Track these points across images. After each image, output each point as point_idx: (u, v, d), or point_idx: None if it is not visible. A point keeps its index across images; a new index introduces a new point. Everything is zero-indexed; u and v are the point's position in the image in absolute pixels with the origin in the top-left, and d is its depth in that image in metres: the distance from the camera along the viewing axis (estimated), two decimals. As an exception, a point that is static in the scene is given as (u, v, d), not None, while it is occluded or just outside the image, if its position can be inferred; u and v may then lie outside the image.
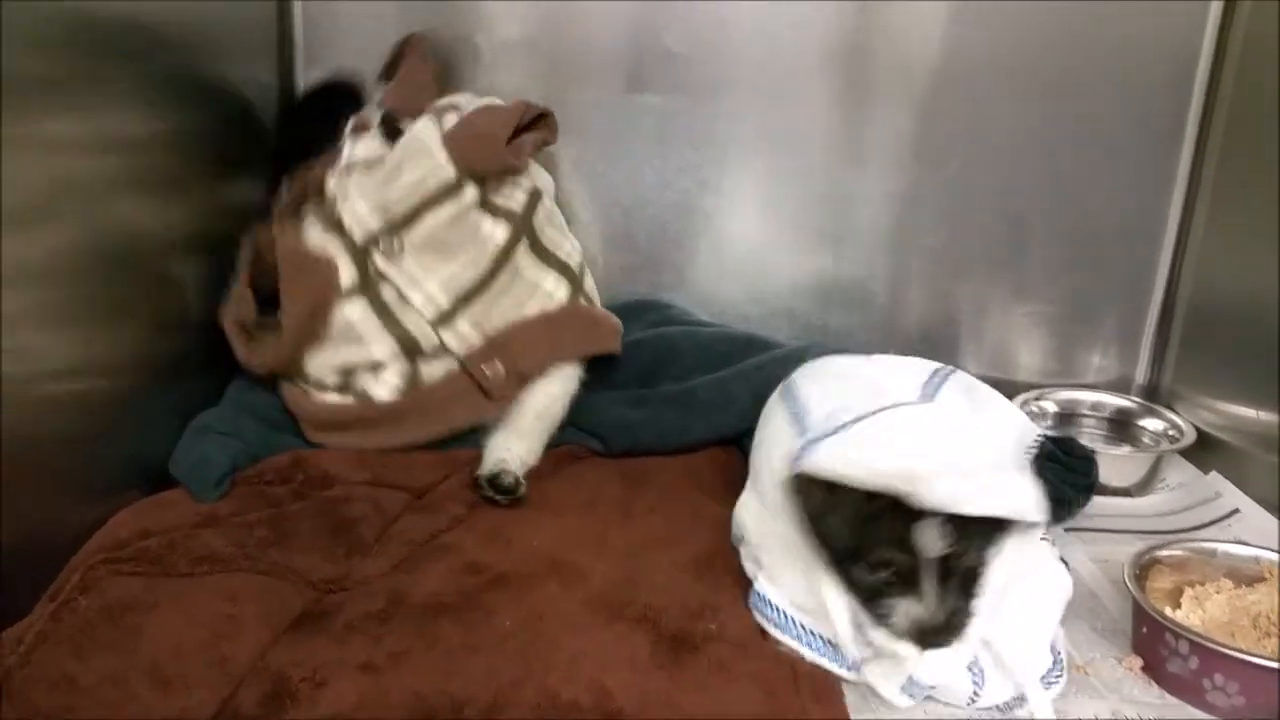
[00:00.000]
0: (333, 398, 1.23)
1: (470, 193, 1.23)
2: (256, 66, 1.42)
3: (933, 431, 0.95)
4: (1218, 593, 1.05)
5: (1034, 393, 1.51)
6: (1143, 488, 1.37)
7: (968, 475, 0.88)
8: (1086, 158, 1.49)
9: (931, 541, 0.88)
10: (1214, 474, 1.36)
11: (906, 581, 0.90)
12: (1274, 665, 0.90)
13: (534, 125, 1.30)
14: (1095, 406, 1.53)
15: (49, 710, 0.78)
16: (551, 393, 1.29)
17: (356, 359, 1.22)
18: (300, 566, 1.02)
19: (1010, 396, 1.46)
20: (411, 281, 1.23)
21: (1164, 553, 1.08)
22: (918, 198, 1.52)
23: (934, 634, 0.90)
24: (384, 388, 1.22)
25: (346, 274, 1.22)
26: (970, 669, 0.91)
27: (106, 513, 1.02)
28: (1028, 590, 0.95)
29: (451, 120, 1.26)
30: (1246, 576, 1.06)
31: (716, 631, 0.97)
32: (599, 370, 1.36)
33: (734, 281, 1.53)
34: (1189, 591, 1.05)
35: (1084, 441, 1.33)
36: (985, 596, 0.91)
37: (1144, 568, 1.06)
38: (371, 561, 1.08)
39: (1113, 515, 1.31)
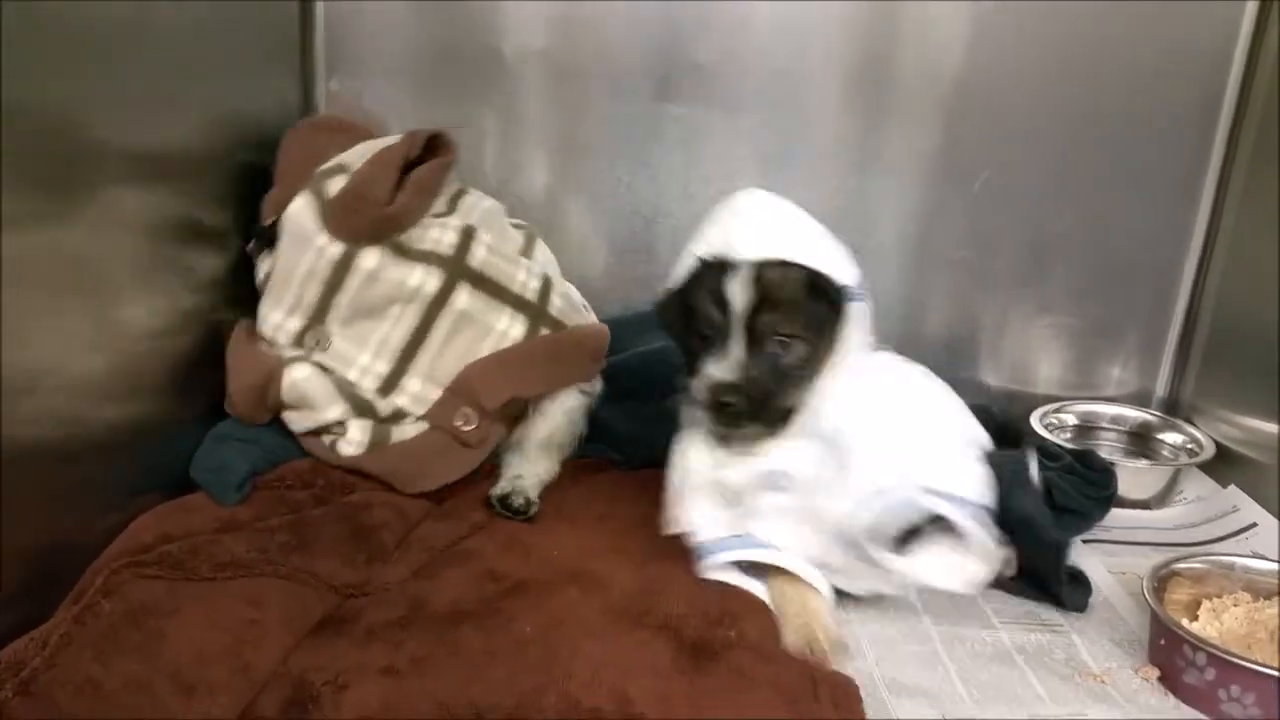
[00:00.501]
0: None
1: (371, 257, 1.17)
2: (277, 76, 1.43)
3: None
4: (1235, 605, 1.05)
5: (1053, 405, 1.51)
6: (1161, 500, 1.37)
7: (769, 226, 0.94)
8: (1112, 173, 1.49)
9: (737, 294, 0.90)
10: (1232, 488, 1.36)
11: (717, 342, 0.92)
12: (1291, 678, 0.91)
13: (431, 151, 1.25)
14: (1115, 420, 1.53)
15: (72, 713, 0.78)
16: (554, 422, 1.29)
17: (315, 421, 1.19)
18: (322, 571, 1.02)
19: (1029, 409, 1.49)
20: (345, 361, 1.20)
21: (1182, 565, 1.08)
22: (942, 211, 1.52)
23: (730, 393, 0.91)
24: (350, 446, 1.19)
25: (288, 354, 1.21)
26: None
27: (129, 517, 1.04)
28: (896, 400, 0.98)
29: (338, 184, 1.19)
30: (1264, 590, 1.06)
31: (736, 639, 0.97)
32: (618, 382, 1.36)
33: (755, 293, 1.53)
34: (1206, 604, 1.06)
35: (1103, 454, 1.34)
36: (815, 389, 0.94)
37: (1162, 580, 1.06)
38: (392, 567, 1.09)
39: (1131, 527, 1.31)
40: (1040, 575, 1.11)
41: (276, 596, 0.96)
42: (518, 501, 1.20)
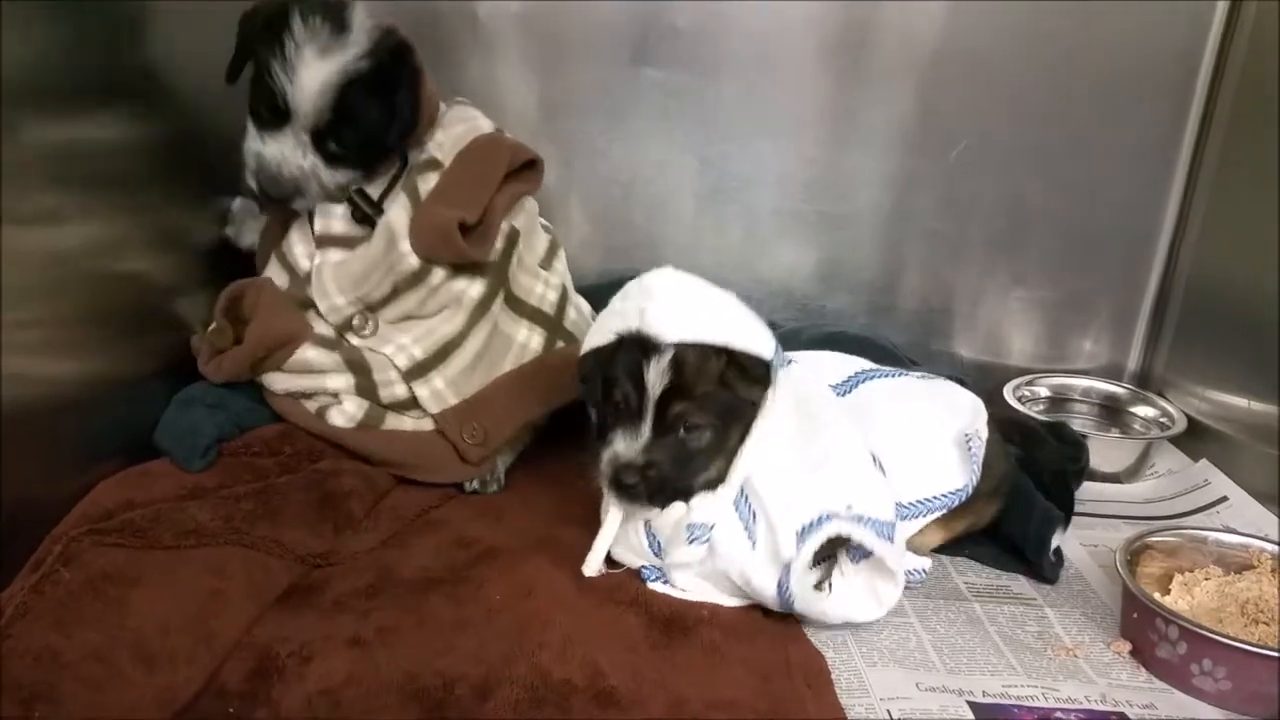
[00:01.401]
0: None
1: (439, 274, 1.17)
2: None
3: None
4: (1206, 579, 1.05)
5: (1026, 378, 1.51)
6: (1132, 474, 1.38)
7: (688, 309, 0.95)
8: (1087, 146, 1.48)
9: (653, 377, 0.92)
10: (1204, 462, 1.37)
11: (629, 419, 0.94)
12: (1261, 651, 0.91)
13: (521, 173, 1.25)
14: (1086, 393, 1.53)
15: (31, 685, 0.76)
16: None
17: (312, 386, 1.17)
18: (288, 541, 1.00)
19: (1002, 381, 1.48)
20: (383, 339, 1.19)
21: (1156, 539, 1.08)
22: (918, 182, 1.50)
23: (631, 474, 0.94)
24: (342, 417, 1.17)
25: (320, 327, 1.19)
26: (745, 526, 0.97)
27: (89, 483, 1.00)
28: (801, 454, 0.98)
29: (430, 183, 1.18)
30: (1235, 564, 1.07)
31: (708, 616, 0.97)
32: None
33: (733, 261, 1.52)
34: (1178, 578, 1.06)
35: (1075, 427, 1.35)
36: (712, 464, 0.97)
37: (1135, 553, 1.06)
38: (360, 536, 1.07)
39: (1103, 500, 1.31)
40: (1022, 546, 1.12)
41: (241, 566, 0.94)
42: (490, 489, 1.20)
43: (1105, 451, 1.35)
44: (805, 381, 1.06)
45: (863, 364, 1.16)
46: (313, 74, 1.08)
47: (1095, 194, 1.51)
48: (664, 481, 0.95)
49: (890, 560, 0.97)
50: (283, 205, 1.18)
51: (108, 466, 1.04)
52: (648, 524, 1.00)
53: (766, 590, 0.96)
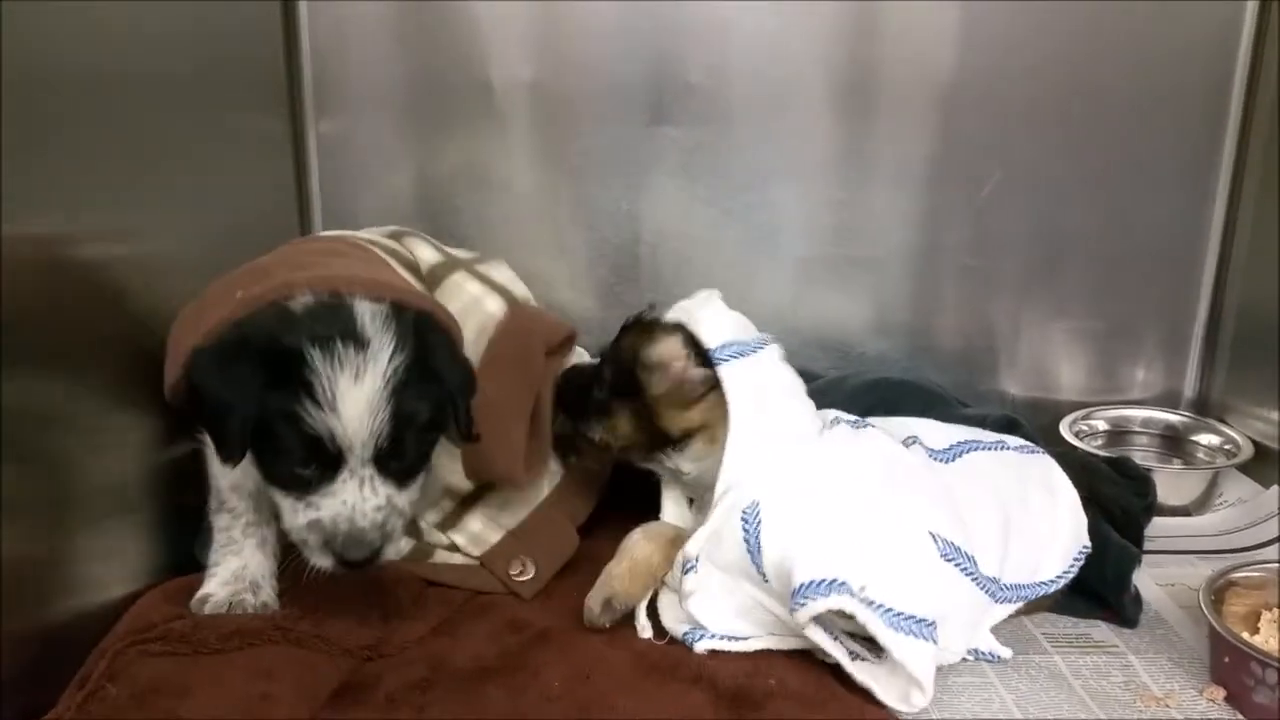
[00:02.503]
0: None
1: None
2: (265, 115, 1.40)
3: None
4: (1297, 615, 1.00)
5: (1082, 412, 1.46)
6: (1201, 505, 1.32)
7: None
8: (1122, 170, 1.45)
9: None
10: (1275, 488, 1.31)
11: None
12: (1372, 692, 0.86)
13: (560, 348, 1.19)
14: (1146, 423, 1.48)
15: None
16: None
17: None
18: (334, 635, 0.97)
19: (1056, 417, 1.44)
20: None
21: (1239, 575, 1.03)
22: (948, 218, 1.47)
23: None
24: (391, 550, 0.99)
25: None
26: None
27: (130, 599, 0.99)
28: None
29: None
30: (1327, 596, 1.01)
31: (776, 687, 0.92)
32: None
33: (766, 312, 1.46)
34: (1266, 615, 1.01)
35: (1137, 460, 1.30)
36: None
37: (1219, 591, 1.01)
38: (409, 625, 1.03)
39: (1173, 535, 1.26)
40: (1099, 589, 1.08)
41: (289, 666, 0.91)
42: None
43: (1171, 484, 1.30)
44: (883, 441, 1.05)
45: (963, 433, 1.14)
46: (356, 400, 0.88)
47: (1133, 218, 1.47)
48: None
49: (899, 654, 0.88)
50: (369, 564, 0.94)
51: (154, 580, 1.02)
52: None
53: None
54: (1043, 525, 1.06)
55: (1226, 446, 1.39)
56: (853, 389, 1.32)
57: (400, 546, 1.03)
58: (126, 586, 1.00)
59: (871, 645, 0.92)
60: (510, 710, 0.89)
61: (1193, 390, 1.53)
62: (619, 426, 1.09)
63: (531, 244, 1.45)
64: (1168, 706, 0.94)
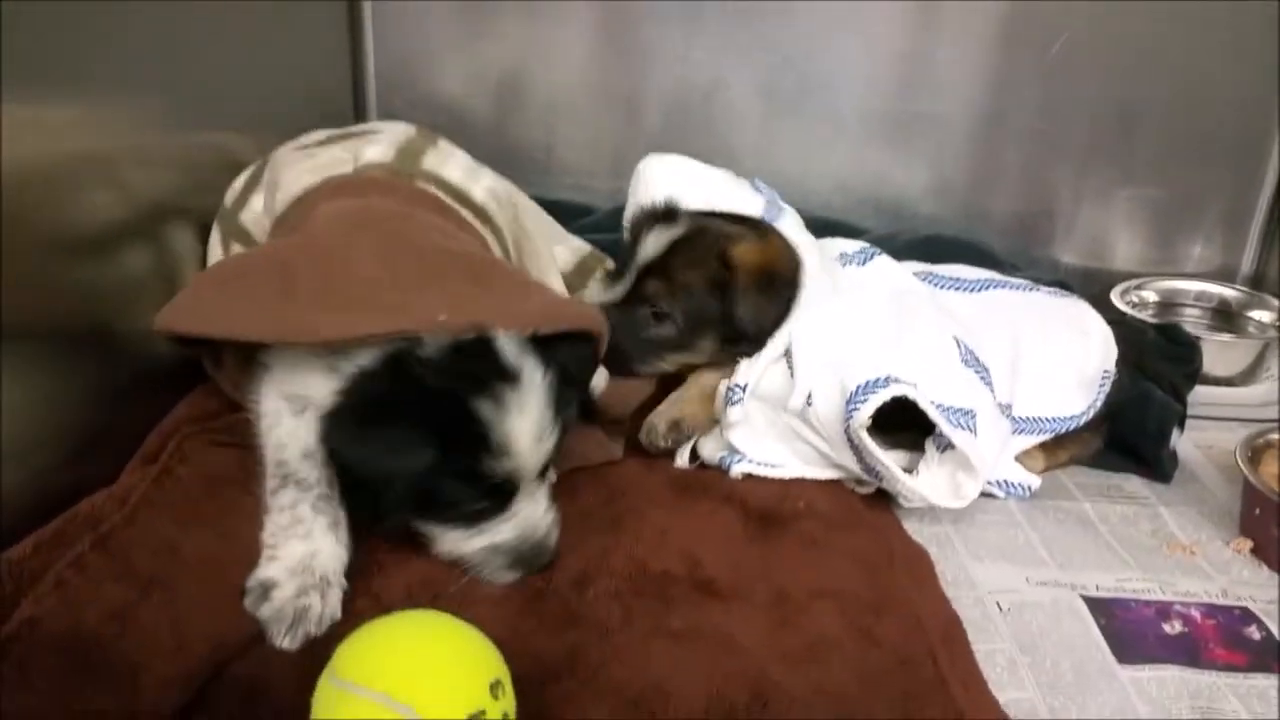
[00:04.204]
0: None
1: None
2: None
3: None
4: (1332, 477, 1.00)
5: (1134, 282, 1.44)
6: (1248, 377, 1.31)
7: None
8: (1197, 42, 1.39)
9: None
10: (1325, 363, 1.29)
11: None
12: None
13: None
14: (1199, 296, 1.45)
15: (150, 573, 0.78)
16: None
17: None
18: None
19: (1107, 286, 1.41)
20: None
21: (1278, 436, 1.03)
22: (1016, 78, 1.43)
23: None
24: None
25: None
26: None
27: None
28: None
29: None
30: (1362, 462, 1.01)
31: (804, 509, 0.95)
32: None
33: (817, 167, 1.46)
34: (1301, 476, 1.01)
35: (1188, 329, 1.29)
36: None
37: (1256, 450, 1.01)
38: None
39: (1216, 404, 1.25)
40: (1137, 443, 1.09)
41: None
42: None
43: (1219, 354, 1.29)
44: (903, 276, 1.07)
45: (996, 276, 1.15)
46: (528, 435, 0.82)
47: (1207, 87, 1.42)
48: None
49: (961, 443, 0.92)
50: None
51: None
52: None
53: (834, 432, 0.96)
54: (1066, 362, 1.06)
55: (1278, 323, 1.37)
56: (905, 244, 1.31)
57: None
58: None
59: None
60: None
61: (1250, 266, 1.50)
62: (703, 348, 1.05)
63: (580, 99, 1.43)
64: (1193, 555, 0.96)
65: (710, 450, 1.03)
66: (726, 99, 1.45)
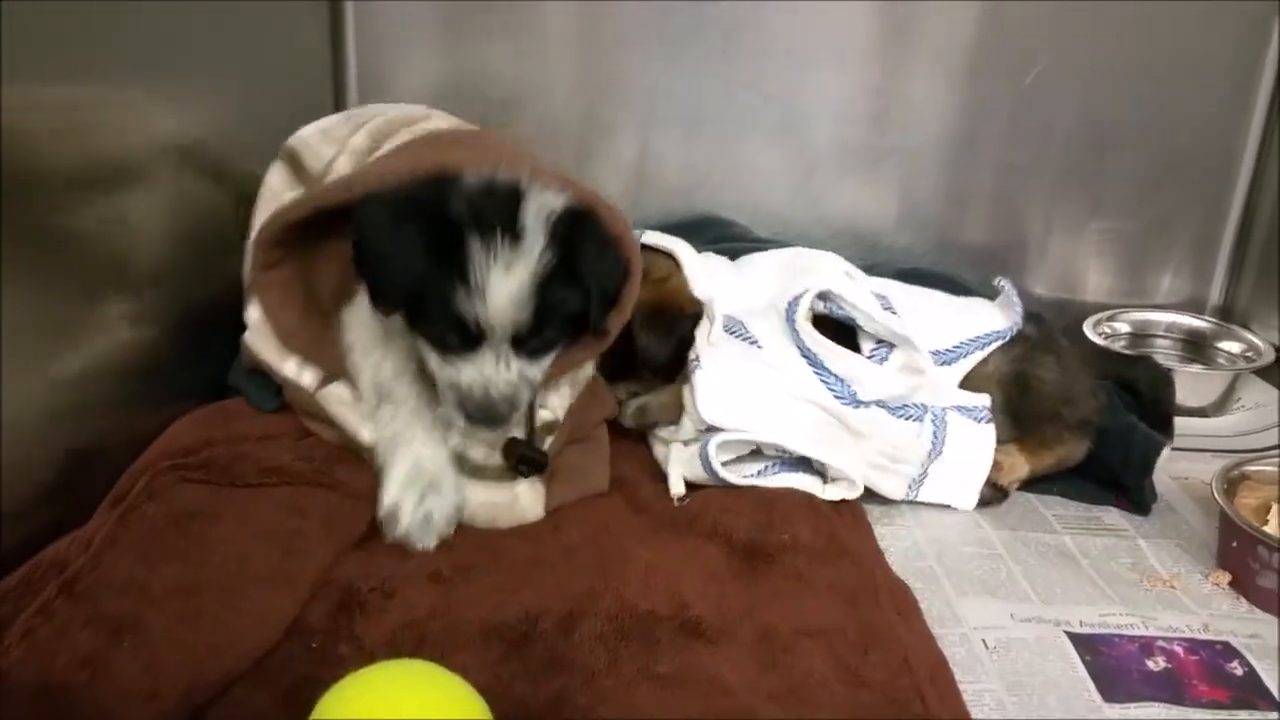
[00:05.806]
0: None
1: None
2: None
3: None
4: (1308, 509, 1.01)
5: (1106, 313, 1.46)
6: (1219, 408, 1.33)
7: None
8: (1168, 69, 1.42)
9: None
10: (1294, 393, 1.32)
11: None
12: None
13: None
14: (1170, 328, 1.48)
15: (118, 615, 0.76)
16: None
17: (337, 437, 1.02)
18: (363, 485, 0.99)
19: (1079, 318, 1.43)
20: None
21: (1253, 468, 1.04)
22: (988, 109, 1.45)
23: None
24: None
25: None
26: None
27: (164, 422, 1.00)
28: None
29: None
30: (1337, 493, 1.02)
31: (789, 542, 0.95)
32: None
33: (798, 199, 1.47)
34: (1276, 507, 1.01)
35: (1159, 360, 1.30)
36: None
37: (1232, 482, 1.02)
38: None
39: (1190, 435, 1.26)
40: (1120, 474, 1.10)
41: (319, 506, 0.93)
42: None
43: (1191, 385, 1.30)
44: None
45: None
46: (503, 292, 0.88)
47: (1177, 113, 1.45)
48: None
49: (894, 325, 1.08)
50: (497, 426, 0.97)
51: (182, 407, 1.03)
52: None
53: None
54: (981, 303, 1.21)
55: (1248, 353, 1.39)
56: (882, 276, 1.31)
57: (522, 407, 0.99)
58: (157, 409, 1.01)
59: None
60: (530, 556, 0.92)
61: (1218, 297, 1.53)
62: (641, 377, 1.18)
63: (563, 119, 1.43)
64: (1173, 588, 0.96)
65: (686, 467, 1.06)
66: (707, 133, 1.45)
